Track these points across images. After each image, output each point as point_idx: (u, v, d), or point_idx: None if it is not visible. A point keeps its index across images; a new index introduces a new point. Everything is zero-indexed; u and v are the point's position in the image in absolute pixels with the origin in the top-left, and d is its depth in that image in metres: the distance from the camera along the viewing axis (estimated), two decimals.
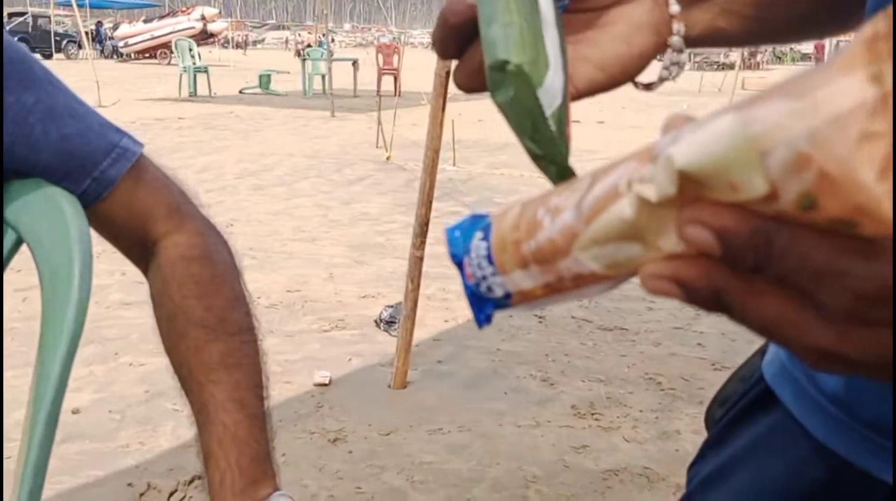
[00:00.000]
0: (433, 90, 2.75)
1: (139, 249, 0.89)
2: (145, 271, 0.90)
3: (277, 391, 2.81)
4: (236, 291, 0.88)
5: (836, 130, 0.23)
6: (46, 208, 0.82)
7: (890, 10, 0.23)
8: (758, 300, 0.27)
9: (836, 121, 0.23)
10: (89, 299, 0.79)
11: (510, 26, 0.42)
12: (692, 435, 2.55)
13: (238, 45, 48.26)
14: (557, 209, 0.32)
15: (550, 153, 0.43)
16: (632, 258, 0.30)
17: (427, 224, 2.81)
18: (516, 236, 0.34)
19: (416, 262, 2.84)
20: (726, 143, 0.25)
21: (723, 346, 3.33)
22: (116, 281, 3.91)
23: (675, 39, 0.52)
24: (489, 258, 0.35)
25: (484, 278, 0.36)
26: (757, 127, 0.24)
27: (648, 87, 0.54)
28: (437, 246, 4.68)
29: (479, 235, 0.36)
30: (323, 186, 6.84)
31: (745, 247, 0.26)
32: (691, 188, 0.27)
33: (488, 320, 0.37)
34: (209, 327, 0.85)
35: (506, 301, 0.36)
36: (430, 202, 2.77)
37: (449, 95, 2.73)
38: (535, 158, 0.44)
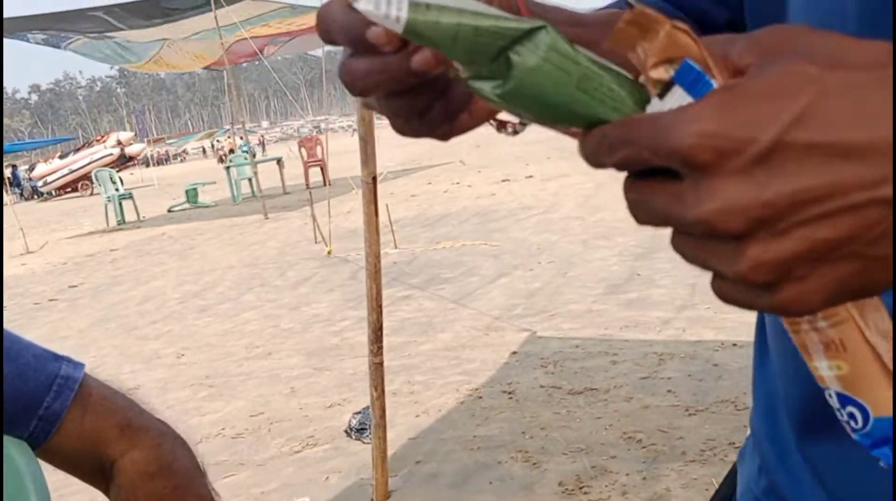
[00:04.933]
0: (363, 197, 2.77)
1: (98, 472, 0.87)
2: (107, 492, 0.87)
3: None
4: (202, 496, 0.86)
5: None
6: None
7: None
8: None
9: None
10: None
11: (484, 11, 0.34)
12: (682, 491, 2.54)
13: (159, 162, 48.16)
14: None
15: (611, 79, 0.34)
16: None
17: (381, 329, 2.79)
18: None
19: (377, 368, 2.80)
20: None
21: (692, 388, 3.35)
22: None
23: None
24: None
25: None
26: None
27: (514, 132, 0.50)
28: (393, 337, 4.67)
29: None
30: (268, 294, 6.77)
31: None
32: None
33: None
34: None
35: None
36: (381, 307, 2.76)
37: (379, 176, 2.74)
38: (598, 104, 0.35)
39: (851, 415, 0.36)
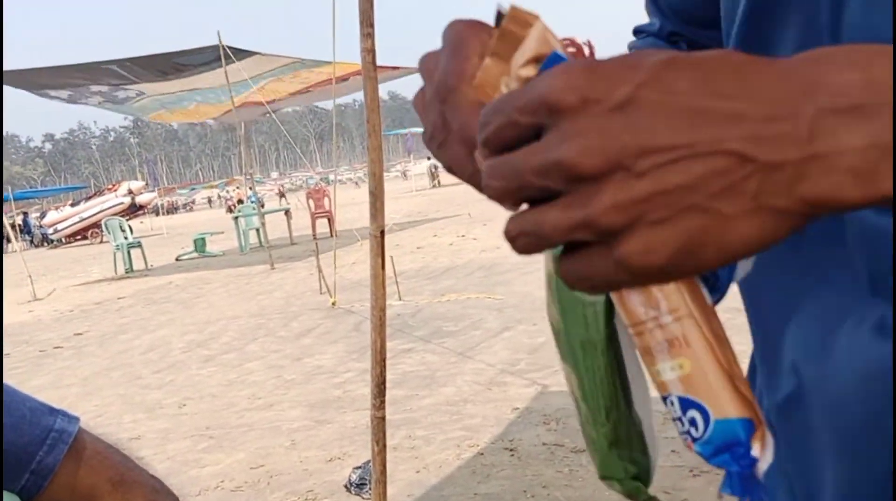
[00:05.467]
0: (371, 250, 2.79)
1: None
2: None
3: None
4: None
5: None
6: None
7: None
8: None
9: None
10: None
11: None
12: None
13: (169, 212, 48.54)
14: None
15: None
16: None
17: (384, 383, 2.78)
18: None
19: (379, 423, 2.78)
20: None
21: None
22: None
23: None
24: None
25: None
26: None
27: None
28: (394, 390, 4.64)
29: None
30: (272, 344, 6.76)
31: None
32: None
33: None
34: None
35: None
36: (385, 361, 2.76)
37: (385, 228, 2.75)
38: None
39: (692, 421, 0.35)
